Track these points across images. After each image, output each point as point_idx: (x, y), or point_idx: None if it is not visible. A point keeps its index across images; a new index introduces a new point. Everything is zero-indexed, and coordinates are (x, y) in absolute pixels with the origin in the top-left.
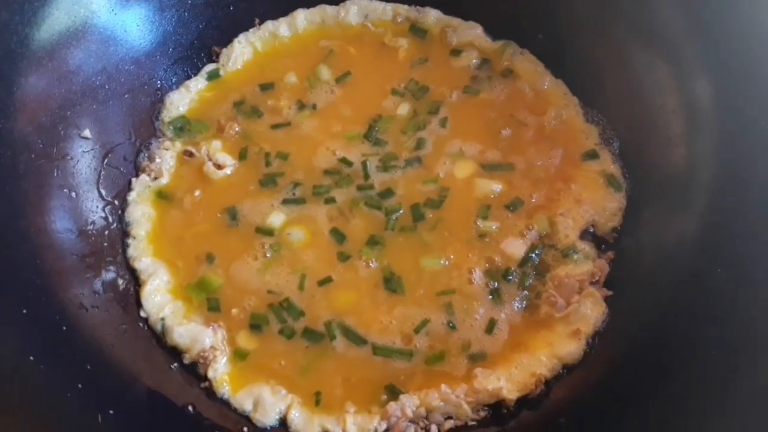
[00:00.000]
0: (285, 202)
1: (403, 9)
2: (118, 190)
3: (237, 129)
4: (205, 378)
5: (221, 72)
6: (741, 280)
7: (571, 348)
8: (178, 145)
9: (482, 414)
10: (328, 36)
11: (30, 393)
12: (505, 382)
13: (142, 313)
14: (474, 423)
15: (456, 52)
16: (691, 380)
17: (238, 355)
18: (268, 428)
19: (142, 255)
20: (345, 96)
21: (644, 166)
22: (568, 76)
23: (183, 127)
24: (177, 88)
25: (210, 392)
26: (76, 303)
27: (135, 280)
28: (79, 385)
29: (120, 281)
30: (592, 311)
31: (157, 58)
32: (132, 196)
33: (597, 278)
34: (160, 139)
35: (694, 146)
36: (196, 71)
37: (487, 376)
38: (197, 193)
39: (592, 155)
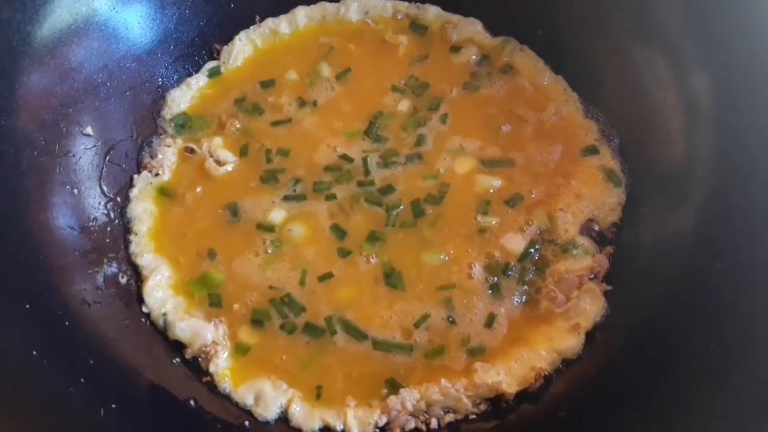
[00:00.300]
0: (286, 198)
1: (403, 6)
2: (120, 187)
3: (238, 126)
4: (207, 372)
5: (222, 69)
6: (739, 275)
7: (570, 342)
8: (180, 142)
9: (482, 408)
10: (328, 33)
11: (33, 387)
12: (505, 376)
13: (144, 309)
14: (474, 417)
15: (456, 48)
16: (690, 374)
17: (240, 350)
18: (270, 422)
19: (144, 251)
20: (345, 93)
21: (644, 162)
22: (568, 72)
23: (184, 123)
24: (178, 85)
25: (212, 386)
26: (78, 298)
27: (137, 276)
28: (82, 380)
29: (122, 277)
30: (591, 306)
31: (159, 55)
32: (134, 192)
33: (596, 273)
34: (162, 136)
35: (693, 141)
36: (197, 68)
37: (486, 371)
38: (198, 189)
39: (592, 151)
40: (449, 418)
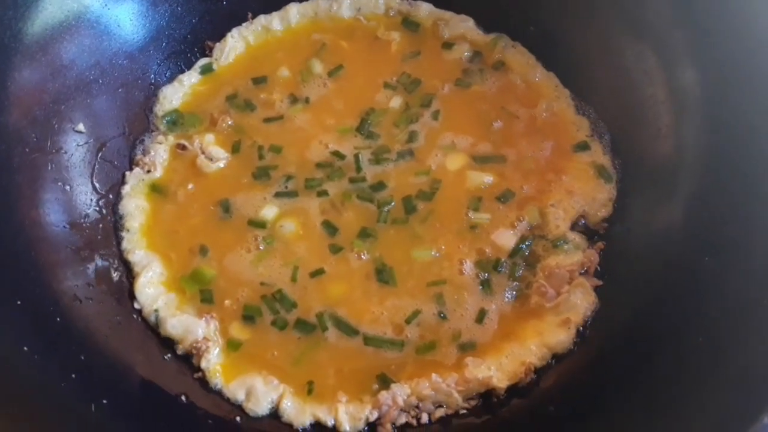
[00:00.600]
0: (278, 194)
1: (395, 2)
2: (111, 184)
3: (230, 122)
4: (199, 368)
5: (214, 66)
6: (728, 269)
7: (560, 337)
8: (171, 139)
9: (473, 402)
10: (320, 30)
11: (24, 383)
12: (495, 371)
13: (135, 305)
14: (464, 411)
15: (448, 45)
16: (679, 368)
17: (231, 346)
18: (261, 417)
19: (136, 247)
20: (337, 89)
21: (634, 157)
22: (560, 68)
23: (176, 120)
24: (170, 82)
25: (203, 382)
26: (70, 295)
27: (129, 273)
28: (74, 375)
29: (114, 273)
30: (581, 301)
31: (151, 52)
32: (126, 189)
33: (587, 268)
34: (154, 133)
35: (682, 136)
36: (190, 65)
37: (477, 365)
38: (190, 186)
39: (583, 147)
40: (440, 413)
